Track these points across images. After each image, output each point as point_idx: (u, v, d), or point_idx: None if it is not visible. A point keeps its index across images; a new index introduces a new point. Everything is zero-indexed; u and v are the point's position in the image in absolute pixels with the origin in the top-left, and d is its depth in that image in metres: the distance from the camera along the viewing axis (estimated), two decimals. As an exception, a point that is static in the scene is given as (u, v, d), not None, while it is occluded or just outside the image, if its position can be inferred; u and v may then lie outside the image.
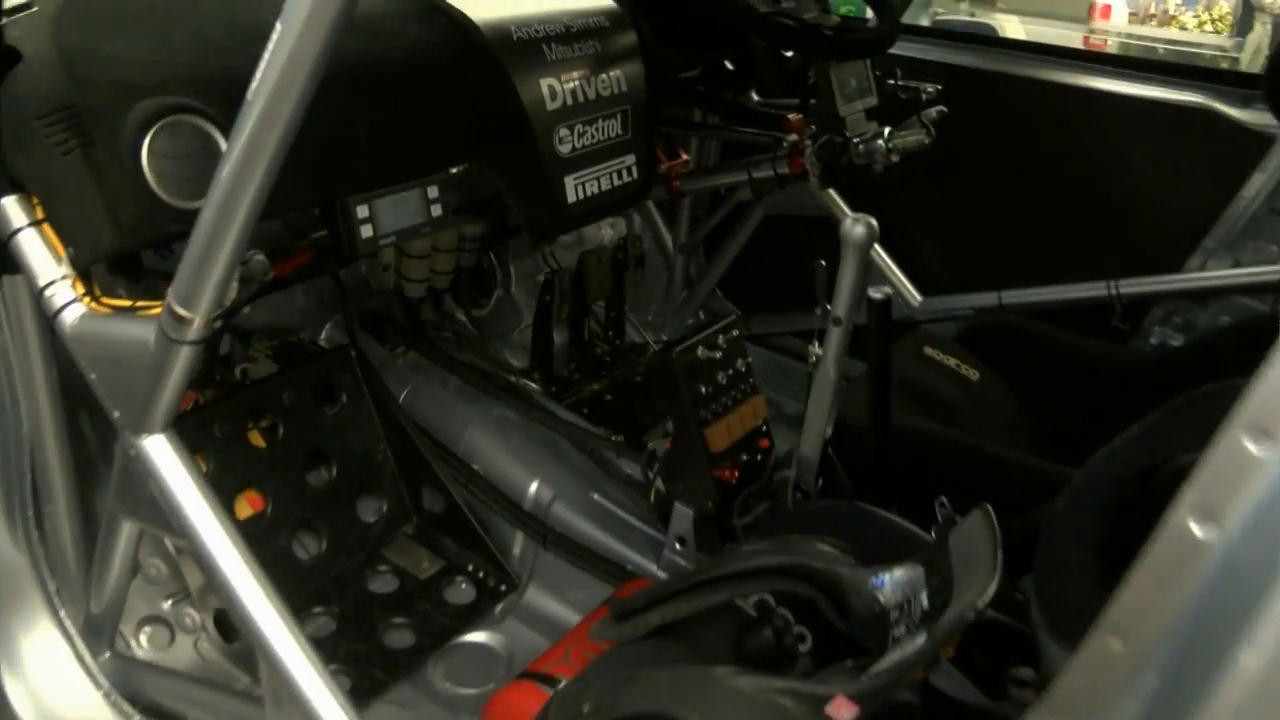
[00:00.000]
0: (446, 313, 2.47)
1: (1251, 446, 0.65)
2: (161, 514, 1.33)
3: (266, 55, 1.00)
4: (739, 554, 1.45)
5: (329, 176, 1.34)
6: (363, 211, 1.50)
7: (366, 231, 1.51)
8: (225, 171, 1.06)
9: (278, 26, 0.98)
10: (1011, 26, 7.25)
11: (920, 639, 1.13)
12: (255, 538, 1.91)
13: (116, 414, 1.31)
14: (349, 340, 2.17)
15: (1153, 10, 9.57)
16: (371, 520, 2.11)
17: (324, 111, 1.05)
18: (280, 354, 2.14)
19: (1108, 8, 8.55)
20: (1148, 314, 2.35)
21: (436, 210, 1.61)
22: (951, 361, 2.21)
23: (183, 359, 1.22)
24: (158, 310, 1.24)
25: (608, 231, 2.62)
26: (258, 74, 1.01)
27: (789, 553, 1.38)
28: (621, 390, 2.60)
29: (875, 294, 1.62)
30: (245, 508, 1.94)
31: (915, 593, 1.27)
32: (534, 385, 2.35)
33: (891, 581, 1.29)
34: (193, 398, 1.99)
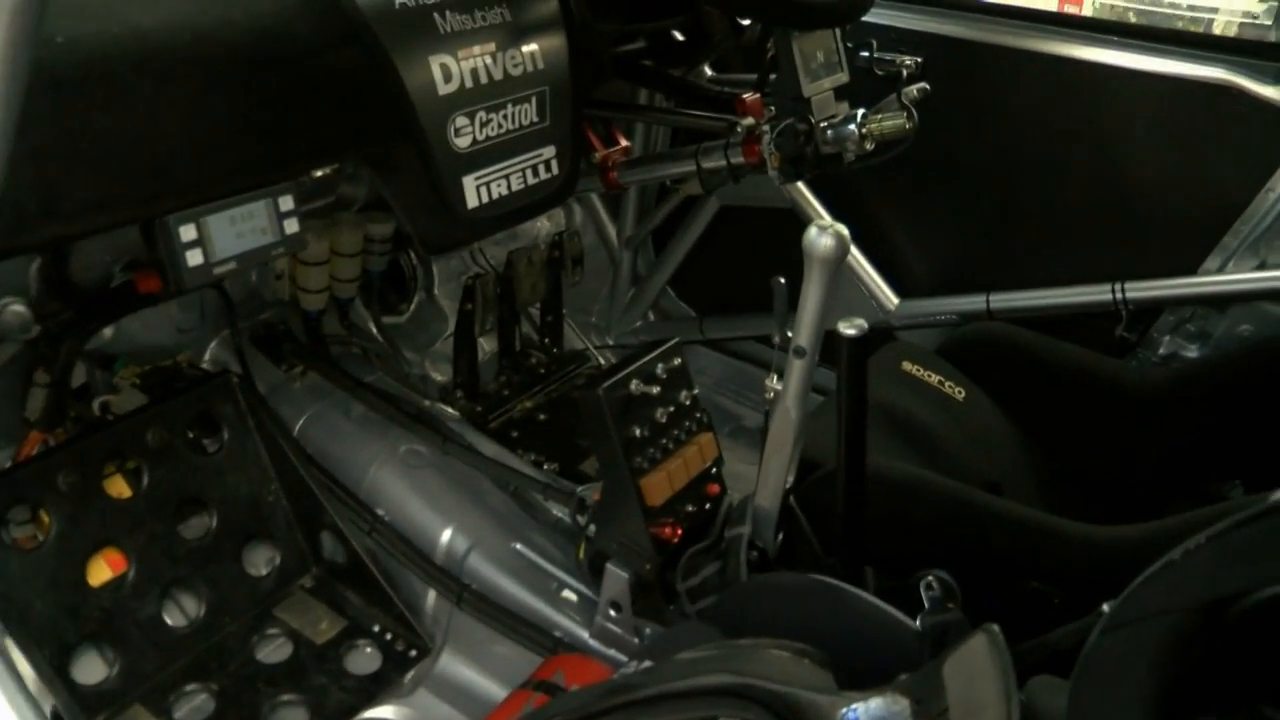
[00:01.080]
0: (354, 324, 2.19)
1: None
2: None
3: None
4: (677, 665, 1.16)
5: (139, 188, 1.06)
6: (188, 233, 1.19)
7: (194, 259, 1.20)
8: None
9: None
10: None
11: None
12: (116, 605, 1.67)
13: None
14: (237, 361, 1.89)
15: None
16: (263, 573, 1.84)
17: (131, 103, 0.90)
18: (150, 382, 1.87)
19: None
20: (1157, 321, 2.13)
21: (291, 226, 1.30)
22: (934, 378, 2.02)
23: None
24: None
25: (544, 224, 2.40)
26: None
27: (739, 667, 1.10)
28: (558, 407, 2.35)
29: (848, 330, 1.33)
30: (103, 570, 1.67)
31: (901, 725, 0.99)
32: (452, 410, 2.07)
33: (867, 715, 1.01)
34: (38, 439, 1.72)
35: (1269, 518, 0.83)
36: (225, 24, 1.20)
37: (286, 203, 1.29)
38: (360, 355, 2.14)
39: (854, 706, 1.03)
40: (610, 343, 2.68)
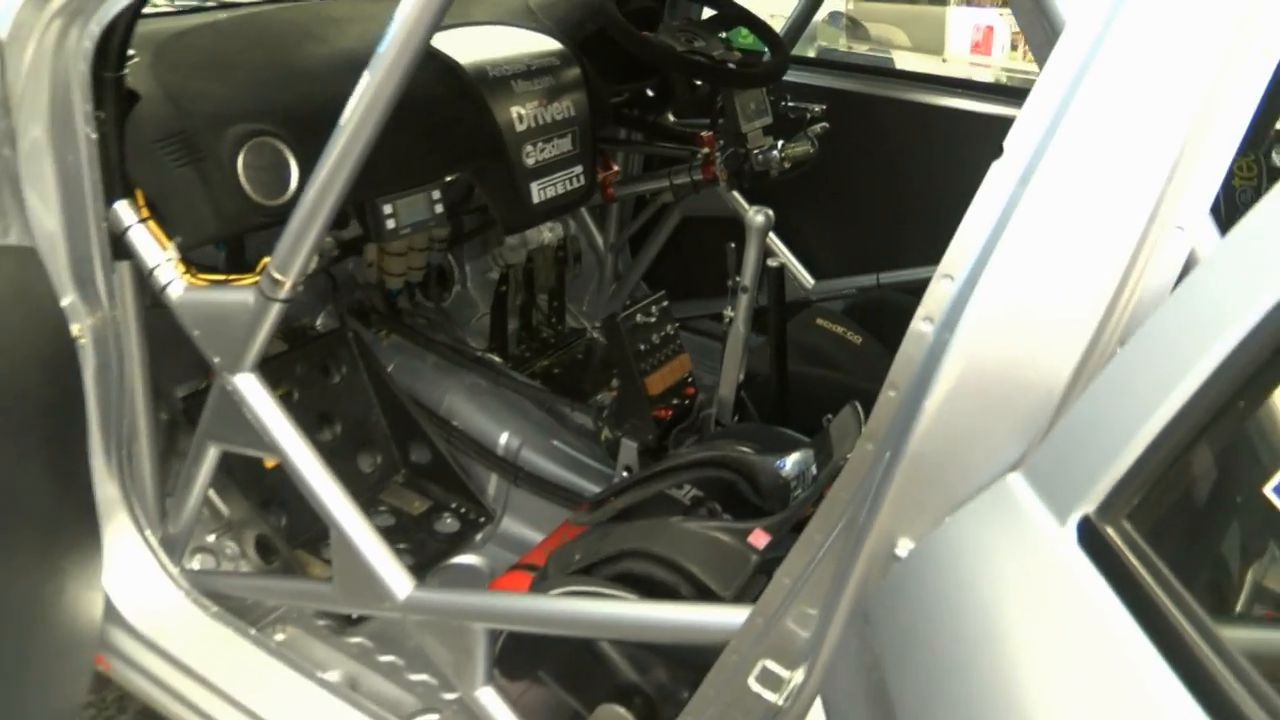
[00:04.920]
0: (418, 303, 2.93)
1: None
2: (247, 434, 1.78)
3: (355, 96, 1.46)
4: (677, 455, 1.95)
5: (366, 183, 1.71)
6: (388, 209, 1.98)
7: (390, 224, 1.99)
8: (321, 175, 1.52)
9: (365, 75, 1.45)
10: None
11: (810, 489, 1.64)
12: (279, 482, 2.35)
13: (216, 359, 1.75)
14: (341, 325, 2.62)
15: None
16: (369, 471, 2.55)
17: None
18: (287, 336, 2.55)
19: (986, 39, 7.37)
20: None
21: (439, 209, 2.08)
22: (838, 329, 2.71)
23: (274, 313, 1.67)
24: (248, 281, 1.70)
25: (547, 234, 3.08)
26: (347, 109, 1.47)
27: (714, 449, 1.89)
28: (566, 366, 3.07)
29: (772, 263, 2.14)
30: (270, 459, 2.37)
31: (808, 467, 1.77)
32: (498, 359, 2.81)
33: (791, 462, 1.79)
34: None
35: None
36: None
37: (435, 194, 2.07)
38: (425, 324, 2.88)
39: (782, 459, 1.81)
40: (598, 324, 3.29)
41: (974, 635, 0.87)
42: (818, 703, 1.17)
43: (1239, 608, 0.78)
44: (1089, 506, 0.79)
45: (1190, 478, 0.76)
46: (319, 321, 2.72)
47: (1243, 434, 0.74)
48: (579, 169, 2.38)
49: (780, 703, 1.21)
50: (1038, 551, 0.83)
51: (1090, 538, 0.79)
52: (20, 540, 1.66)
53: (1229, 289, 0.77)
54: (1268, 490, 0.68)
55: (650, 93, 2.83)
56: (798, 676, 1.20)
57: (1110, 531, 0.77)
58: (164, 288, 1.78)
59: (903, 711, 0.92)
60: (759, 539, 1.60)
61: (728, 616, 1.33)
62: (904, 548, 1.01)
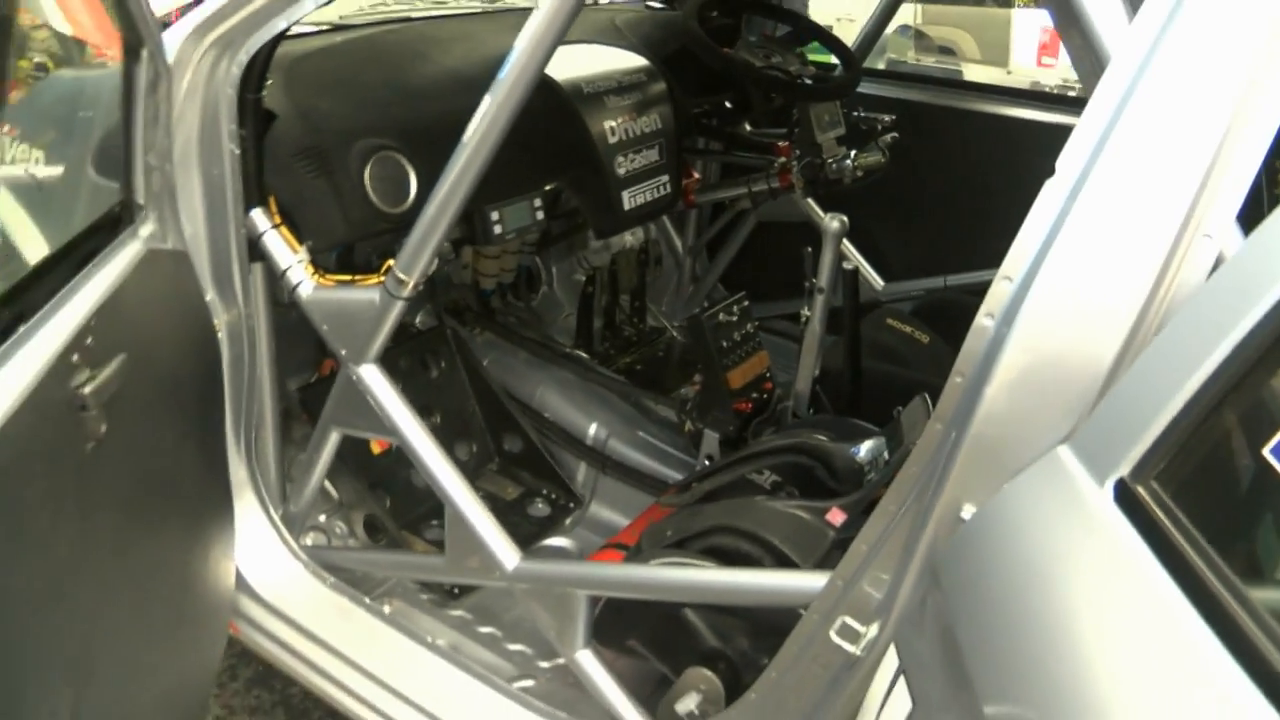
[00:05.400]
0: (509, 303, 3.11)
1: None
2: (369, 419, 1.96)
3: (477, 117, 1.65)
4: (758, 442, 2.11)
5: (476, 192, 1.82)
6: (495, 215, 2.17)
7: (497, 229, 2.18)
8: (444, 186, 1.71)
9: (487, 98, 1.63)
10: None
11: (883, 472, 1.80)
12: (386, 468, 2.55)
13: (343, 352, 1.95)
14: (439, 323, 2.80)
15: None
16: (465, 459, 2.73)
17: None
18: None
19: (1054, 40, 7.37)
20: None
21: (539, 215, 2.27)
22: (907, 329, 2.83)
23: (397, 310, 1.86)
24: (373, 281, 1.89)
25: (629, 238, 3.24)
26: (470, 127, 1.66)
27: (793, 437, 2.05)
28: (647, 362, 3.23)
29: (847, 266, 2.30)
30: (377, 445, 2.53)
31: (880, 453, 1.93)
32: (585, 355, 2.99)
33: (865, 448, 1.95)
34: (330, 365, 2.61)
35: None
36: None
37: (536, 202, 2.26)
38: (515, 322, 3.06)
39: (857, 445, 1.97)
40: (677, 323, 3.44)
41: (1028, 583, 1.03)
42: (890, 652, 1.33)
43: (1250, 553, 0.93)
44: (1124, 470, 0.94)
45: (1208, 445, 0.91)
46: (418, 320, 2.91)
47: (1250, 408, 0.89)
48: (665, 178, 2.55)
49: (858, 652, 1.37)
50: (1080, 509, 0.99)
51: (1125, 496, 0.94)
52: (175, 514, 1.86)
53: (1247, 283, 0.91)
54: (1266, 451, 0.83)
55: (728, 105, 2.98)
56: (872, 630, 1.36)
57: (1141, 491, 0.92)
58: (295, 287, 1.98)
59: (968, 651, 1.07)
60: (836, 516, 1.76)
61: (809, 581, 1.49)
62: (968, 511, 1.17)
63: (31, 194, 1.58)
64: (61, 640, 1.38)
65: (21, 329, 1.33)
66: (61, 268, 1.50)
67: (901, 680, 1.19)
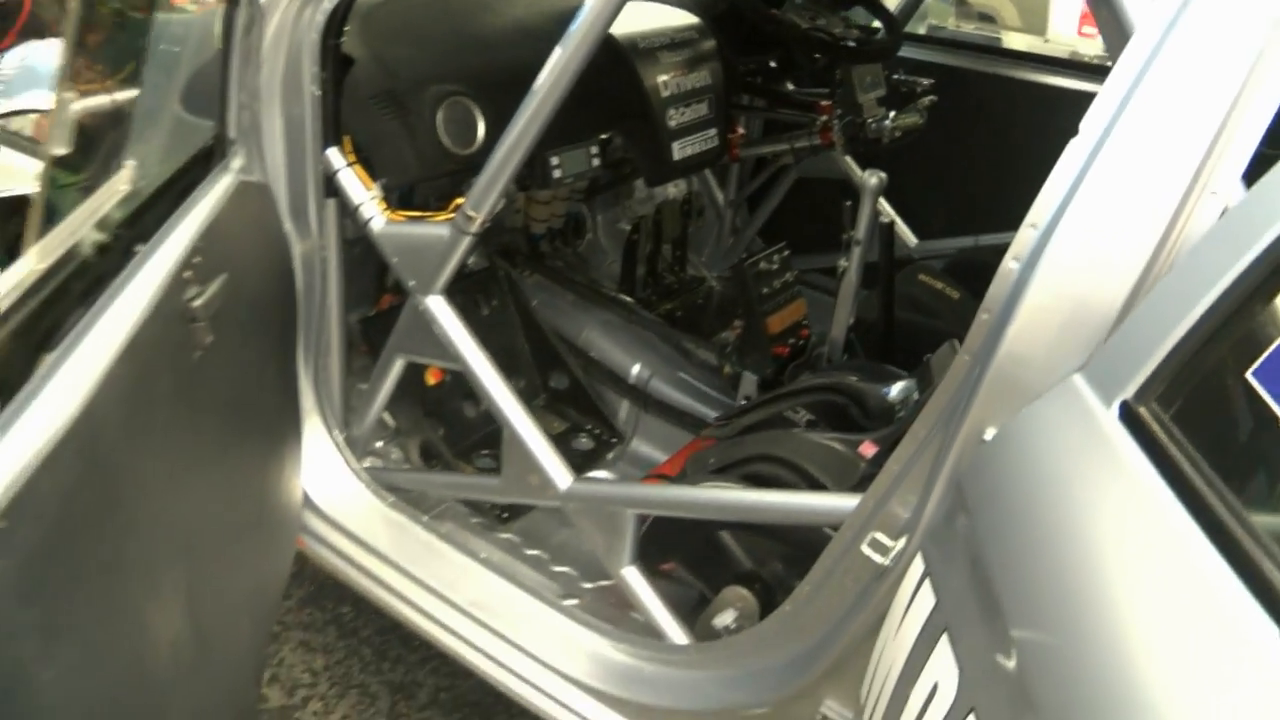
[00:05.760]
0: (556, 247, 3.24)
1: None
2: (434, 347, 2.11)
3: (548, 67, 1.78)
4: (797, 382, 2.25)
5: (541, 142, 2.00)
6: (555, 160, 2.31)
7: (556, 174, 2.32)
8: (514, 130, 1.85)
9: (557, 50, 1.77)
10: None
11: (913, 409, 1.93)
12: (440, 399, 2.70)
13: (412, 283, 2.09)
14: (490, 264, 2.94)
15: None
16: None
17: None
18: None
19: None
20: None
21: (596, 162, 2.41)
22: (939, 285, 2.94)
23: (465, 244, 2.01)
24: (443, 218, 2.03)
25: (672, 190, 3.36)
26: (541, 76, 1.80)
27: (828, 378, 2.19)
28: (687, 309, 3.36)
29: (884, 220, 2.43)
30: (432, 376, 2.69)
31: (910, 394, 2.06)
32: (629, 299, 3.12)
33: (896, 389, 2.08)
34: (389, 299, 2.76)
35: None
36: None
37: (594, 149, 2.40)
38: (563, 266, 3.19)
39: (888, 386, 2.11)
40: (717, 273, 3.56)
41: (1043, 495, 1.17)
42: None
43: (1237, 465, 1.06)
44: (1128, 393, 1.08)
45: (1201, 371, 1.05)
46: (470, 260, 3.04)
47: (1238, 340, 1.02)
48: (713, 131, 2.68)
49: (887, 563, 1.51)
50: (1089, 428, 1.13)
51: (1128, 416, 1.07)
52: (257, 426, 2.01)
53: (1242, 231, 1.05)
54: (1249, 375, 0.97)
55: (773, 64, 3.08)
56: (900, 543, 1.50)
57: (1143, 411, 1.06)
58: (367, 221, 2.12)
59: (989, 559, 1.21)
60: (868, 449, 1.90)
61: (843, 502, 1.64)
62: (990, 433, 1.31)
63: (141, 129, 1.74)
64: (178, 523, 1.54)
65: (140, 249, 1.49)
66: (169, 195, 1.65)
67: (927, 582, 1.33)
